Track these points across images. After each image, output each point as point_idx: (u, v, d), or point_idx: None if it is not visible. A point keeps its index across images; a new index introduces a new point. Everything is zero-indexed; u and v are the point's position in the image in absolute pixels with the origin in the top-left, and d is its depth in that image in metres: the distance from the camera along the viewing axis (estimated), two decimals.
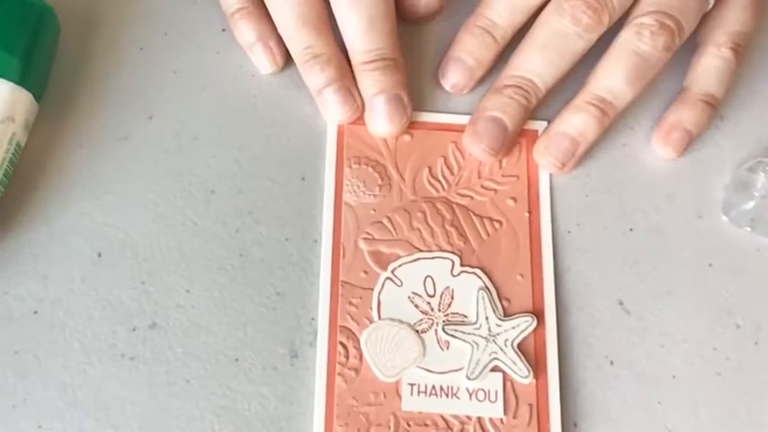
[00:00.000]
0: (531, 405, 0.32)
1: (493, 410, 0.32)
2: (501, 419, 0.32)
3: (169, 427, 0.31)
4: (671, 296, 0.35)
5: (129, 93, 0.37)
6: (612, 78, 0.35)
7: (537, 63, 0.35)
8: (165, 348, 0.32)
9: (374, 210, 0.35)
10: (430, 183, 0.36)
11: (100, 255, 0.34)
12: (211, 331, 0.33)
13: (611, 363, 0.33)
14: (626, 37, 0.35)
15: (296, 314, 0.33)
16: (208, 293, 0.33)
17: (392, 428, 0.32)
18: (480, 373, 0.32)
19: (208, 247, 0.34)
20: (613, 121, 0.36)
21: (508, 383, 0.32)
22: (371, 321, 0.33)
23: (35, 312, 0.33)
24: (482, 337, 0.33)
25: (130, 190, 0.35)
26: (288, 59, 0.37)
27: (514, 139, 0.36)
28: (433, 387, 0.32)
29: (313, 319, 0.33)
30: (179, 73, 0.37)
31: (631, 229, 0.36)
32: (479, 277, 0.34)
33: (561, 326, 0.34)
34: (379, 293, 0.34)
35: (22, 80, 0.33)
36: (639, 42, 0.35)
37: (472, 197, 0.36)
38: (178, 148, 0.36)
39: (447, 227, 0.35)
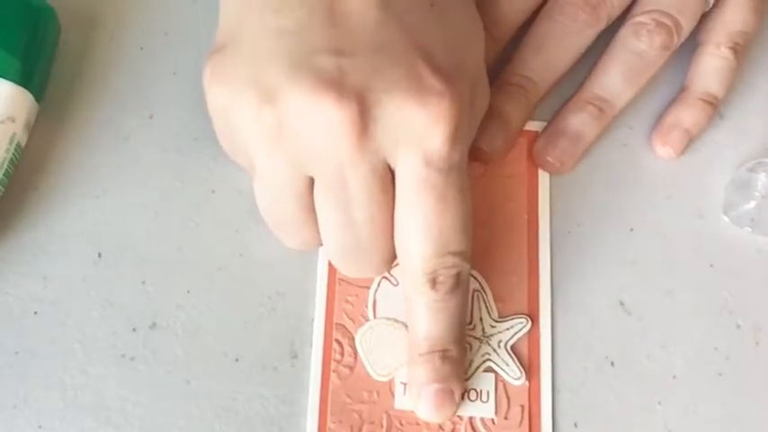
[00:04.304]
0: (522, 406, 0.32)
1: (484, 411, 0.32)
2: (492, 420, 0.32)
3: (169, 427, 0.31)
4: (671, 296, 0.35)
5: (129, 93, 0.36)
6: (610, 77, 0.35)
7: (536, 62, 0.35)
8: (166, 348, 0.32)
9: None
10: None
11: (100, 255, 0.34)
12: (211, 331, 0.33)
13: (612, 363, 0.33)
14: (624, 36, 0.35)
15: (296, 314, 0.33)
16: (208, 293, 0.33)
17: (384, 427, 0.32)
18: (473, 373, 0.32)
19: (208, 247, 0.34)
20: (612, 121, 0.36)
21: (500, 384, 0.32)
22: (367, 320, 0.33)
23: (35, 312, 0.33)
24: (475, 337, 0.33)
25: (131, 190, 0.35)
26: None
27: (515, 139, 0.36)
28: None
29: (313, 319, 0.33)
30: (179, 73, 0.37)
31: (631, 229, 0.36)
32: (475, 278, 0.34)
33: (561, 326, 0.34)
34: (375, 292, 0.34)
35: (22, 80, 0.33)
36: (637, 41, 0.35)
37: None
38: (178, 148, 0.36)
39: None
